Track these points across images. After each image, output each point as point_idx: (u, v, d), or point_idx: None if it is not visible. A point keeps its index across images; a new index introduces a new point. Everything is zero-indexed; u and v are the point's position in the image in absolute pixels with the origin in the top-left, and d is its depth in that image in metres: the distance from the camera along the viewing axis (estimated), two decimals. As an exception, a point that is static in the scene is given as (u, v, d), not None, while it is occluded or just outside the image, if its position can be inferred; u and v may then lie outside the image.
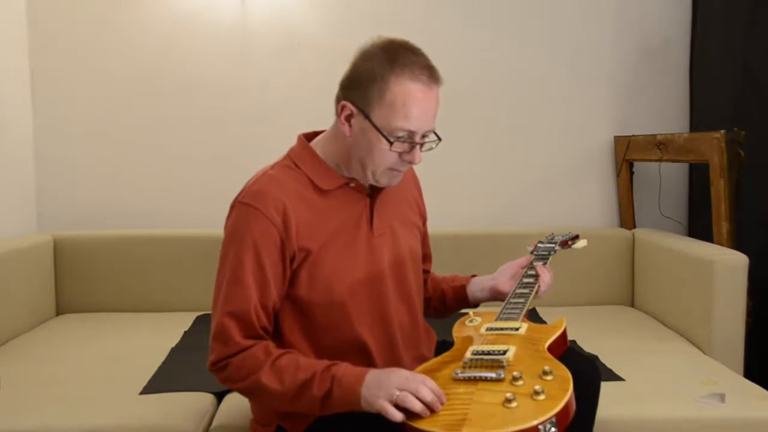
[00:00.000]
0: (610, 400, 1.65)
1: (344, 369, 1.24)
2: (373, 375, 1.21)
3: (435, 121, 1.34)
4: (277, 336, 1.36)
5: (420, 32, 2.85)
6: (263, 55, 2.85)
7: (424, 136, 1.33)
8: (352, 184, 1.40)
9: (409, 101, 1.28)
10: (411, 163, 1.35)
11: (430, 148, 1.37)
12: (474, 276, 1.62)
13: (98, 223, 2.82)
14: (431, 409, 1.13)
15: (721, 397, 1.73)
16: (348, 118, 1.34)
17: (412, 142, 1.32)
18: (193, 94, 2.85)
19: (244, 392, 1.34)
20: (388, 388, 1.16)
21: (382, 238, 1.43)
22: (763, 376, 2.14)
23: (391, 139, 1.30)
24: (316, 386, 1.22)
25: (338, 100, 1.36)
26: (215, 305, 1.33)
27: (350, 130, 1.34)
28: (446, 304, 1.62)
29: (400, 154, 1.33)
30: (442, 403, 1.13)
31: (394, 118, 1.28)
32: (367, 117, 1.30)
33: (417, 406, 1.12)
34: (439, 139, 1.37)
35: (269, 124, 2.86)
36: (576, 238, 1.72)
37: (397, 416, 1.13)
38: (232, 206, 1.36)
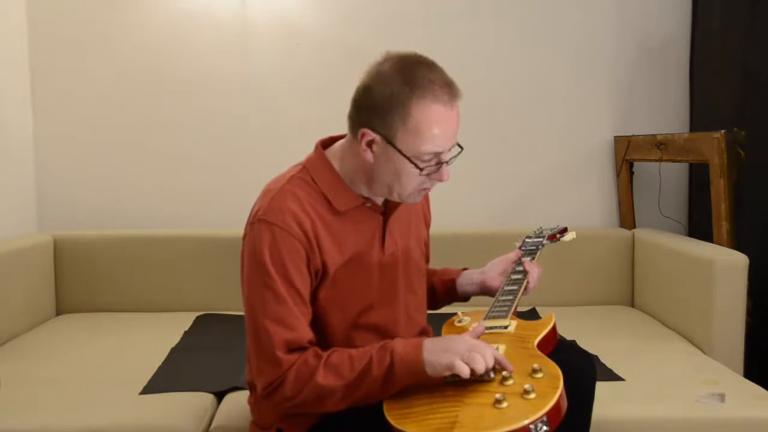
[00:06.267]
0: (609, 400, 1.66)
1: (399, 343, 1.25)
2: (430, 341, 1.24)
3: (457, 135, 1.32)
4: None
5: (420, 33, 2.88)
6: (263, 56, 2.85)
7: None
8: (368, 204, 1.38)
9: (433, 125, 1.24)
10: (440, 181, 1.33)
11: (453, 160, 1.34)
12: (465, 269, 1.62)
13: (98, 223, 2.82)
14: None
15: (721, 397, 1.73)
16: (369, 144, 1.29)
17: (439, 162, 1.29)
18: (193, 94, 2.85)
19: (305, 404, 1.27)
20: (456, 350, 1.19)
21: (392, 257, 1.42)
22: (763, 376, 2.14)
23: (421, 165, 1.27)
24: (376, 367, 1.22)
25: (353, 121, 1.32)
26: (255, 327, 1.28)
27: (373, 156, 1.30)
28: (436, 297, 1.64)
29: (429, 174, 1.30)
30: (509, 370, 1.18)
31: (421, 143, 1.25)
32: (390, 143, 1.26)
33: (481, 367, 1.16)
34: (461, 148, 1.33)
35: (269, 124, 2.86)
36: (564, 231, 1.72)
37: (465, 370, 1.16)
38: (251, 224, 1.32)
